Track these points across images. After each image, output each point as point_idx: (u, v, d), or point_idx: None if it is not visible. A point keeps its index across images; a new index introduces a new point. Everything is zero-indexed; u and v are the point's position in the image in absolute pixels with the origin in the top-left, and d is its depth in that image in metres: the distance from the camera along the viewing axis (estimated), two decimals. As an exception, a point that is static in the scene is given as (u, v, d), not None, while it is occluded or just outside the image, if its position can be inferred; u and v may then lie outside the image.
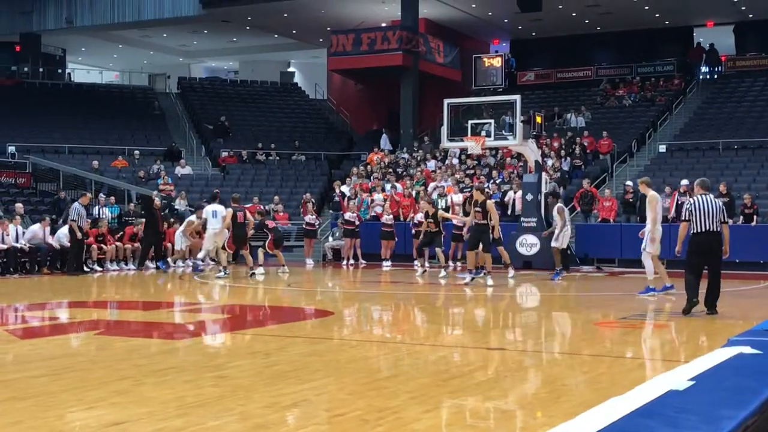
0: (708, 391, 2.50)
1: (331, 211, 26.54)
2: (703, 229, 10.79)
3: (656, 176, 25.66)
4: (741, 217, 21.38)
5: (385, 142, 34.22)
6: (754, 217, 21.26)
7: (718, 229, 10.84)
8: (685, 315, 10.77)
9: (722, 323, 10.53)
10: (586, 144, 28.72)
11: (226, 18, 35.73)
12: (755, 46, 35.11)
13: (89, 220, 20.91)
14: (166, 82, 40.03)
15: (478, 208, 16.56)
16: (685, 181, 22.75)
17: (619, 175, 27.21)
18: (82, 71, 44.09)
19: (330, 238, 25.20)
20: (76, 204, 20.21)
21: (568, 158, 27.66)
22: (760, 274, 18.73)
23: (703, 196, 11.01)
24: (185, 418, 5.30)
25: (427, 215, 19.45)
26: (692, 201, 11.04)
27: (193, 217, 21.20)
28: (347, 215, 23.43)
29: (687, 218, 10.98)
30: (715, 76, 35.83)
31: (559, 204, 18.83)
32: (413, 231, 22.35)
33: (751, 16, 34.09)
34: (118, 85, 42.66)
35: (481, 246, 16.34)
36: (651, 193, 13.84)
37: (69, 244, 20.41)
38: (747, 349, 3.15)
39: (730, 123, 30.17)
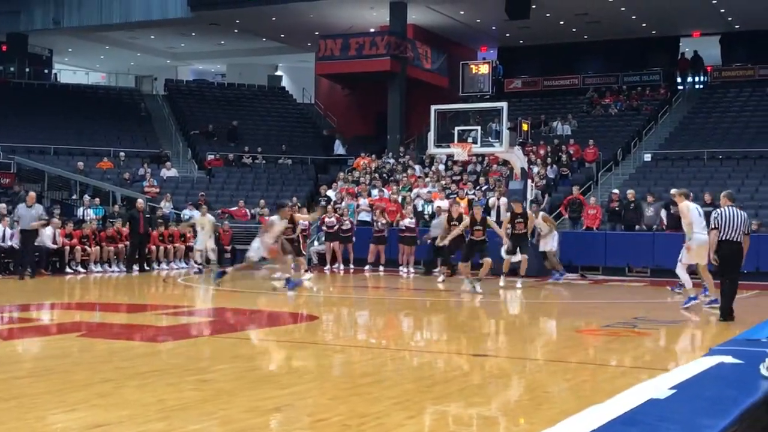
0: (688, 400, 2.51)
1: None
2: (726, 238, 11.41)
3: (641, 185, 25.77)
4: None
5: (338, 147, 34.28)
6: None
7: (741, 239, 11.43)
8: (723, 319, 11.31)
9: (705, 332, 10.59)
10: (572, 152, 28.83)
11: (215, 21, 35.67)
12: (741, 57, 35.31)
13: (44, 220, 20.10)
14: (152, 84, 39.92)
15: (455, 222, 17.56)
16: (674, 190, 22.82)
17: (605, 184, 27.32)
18: (68, 72, 43.91)
19: (315, 243, 25.16)
20: (20, 205, 19.68)
21: (554, 166, 27.76)
22: (744, 284, 18.73)
23: (730, 207, 11.61)
24: (167, 421, 5.28)
25: (474, 222, 16.96)
26: (720, 211, 11.63)
27: (275, 218, 16.82)
28: (327, 219, 23.42)
29: (715, 226, 11.56)
30: (701, 86, 36.07)
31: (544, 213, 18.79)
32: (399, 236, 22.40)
33: (737, 27, 34.29)
34: (105, 86, 42.51)
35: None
36: (681, 204, 13.60)
37: (53, 246, 20.40)
38: (728, 359, 3.16)
39: (715, 133, 30.33)
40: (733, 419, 2.39)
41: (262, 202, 27.58)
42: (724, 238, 11.44)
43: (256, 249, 16.38)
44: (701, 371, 2.96)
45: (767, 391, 2.92)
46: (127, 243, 21.89)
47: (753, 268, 19.13)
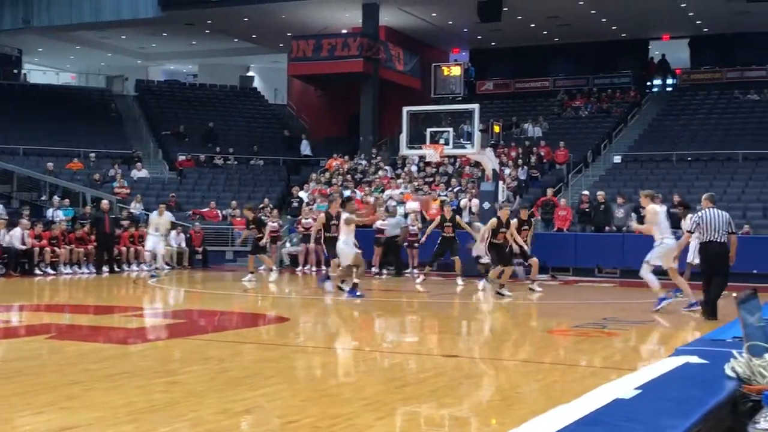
0: (654, 400, 2.54)
1: (289, 216, 26.47)
2: (709, 239, 11.75)
3: (611, 186, 25.96)
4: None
5: (305, 147, 34.14)
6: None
7: (724, 240, 11.75)
8: (706, 318, 11.52)
9: (672, 333, 10.69)
10: (542, 154, 29.00)
11: (186, 21, 35.47)
12: (709, 60, 35.67)
13: (3, 220, 19.67)
14: (123, 84, 39.65)
15: (449, 223, 18.57)
16: (641, 192, 23.04)
17: (575, 185, 27.49)
18: (38, 72, 43.51)
19: (287, 244, 25.10)
20: None
21: (525, 167, 27.90)
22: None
23: (711, 209, 11.95)
24: (136, 423, 5.26)
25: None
26: (700, 214, 11.96)
27: (347, 215, 15.23)
28: (304, 220, 23.35)
29: (692, 230, 11.98)
30: (670, 89, 36.42)
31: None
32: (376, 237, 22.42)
33: (705, 30, 34.62)
34: (75, 86, 42.17)
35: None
36: (648, 207, 13.50)
37: (22, 247, 20.23)
38: (694, 359, 3.21)
39: (684, 135, 30.62)
40: (698, 419, 2.42)
41: (233, 203, 27.50)
42: (707, 240, 11.73)
43: (347, 250, 14.98)
44: (667, 371, 3.00)
45: (732, 392, 2.96)
46: (95, 244, 21.76)
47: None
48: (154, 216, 20.80)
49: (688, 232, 12.11)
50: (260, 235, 19.07)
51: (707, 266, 11.91)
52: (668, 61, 36.54)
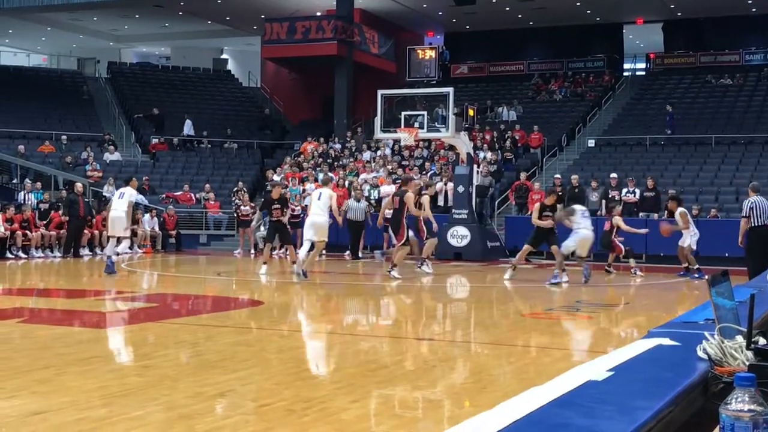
0: (626, 382, 2.55)
1: (263, 200, 26.35)
2: (760, 224, 13.19)
3: (584, 170, 26.08)
4: (665, 212, 21.79)
5: (188, 127, 33.56)
6: (678, 211, 21.67)
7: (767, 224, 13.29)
8: None
9: (645, 315, 10.77)
10: (517, 137, 29.05)
11: (159, 3, 35.11)
12: (683, 44, 35.85)
13: None
14: (95, 66, 39.29)
15: (548, 212, 16.39)
16: (614, 175, 23.29)
17: (549, 169, 27.58)
18: (8, 54, 42.98)
19: (261, 228, 24.99)
20: None
21: (499, 151, 27.95)
22: (684, 267, 19.08)
23: (758, 196, 13.48)
24: (109, 407, 5.22)
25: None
26: (754, 201, 13.36)
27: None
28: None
29: (747, 215, 13.31)
30: (644, 73, 36.60)
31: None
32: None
33: (679, 14, 34.78)
34: (46, 68, 41.72)
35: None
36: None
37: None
38: (666, 341, 3.21)
39: (657, 119, 30.78)
40: (669, 400, 2.42)
41: (207, 186, 27.37)
42: (758, 224, 13.13)
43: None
44: (639, 353, 3.01)
45: (703, 373, 2.98)
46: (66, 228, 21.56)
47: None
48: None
49: (744, 217, 13.31)
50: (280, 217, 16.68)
51: (755, 246, 13.12)
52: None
